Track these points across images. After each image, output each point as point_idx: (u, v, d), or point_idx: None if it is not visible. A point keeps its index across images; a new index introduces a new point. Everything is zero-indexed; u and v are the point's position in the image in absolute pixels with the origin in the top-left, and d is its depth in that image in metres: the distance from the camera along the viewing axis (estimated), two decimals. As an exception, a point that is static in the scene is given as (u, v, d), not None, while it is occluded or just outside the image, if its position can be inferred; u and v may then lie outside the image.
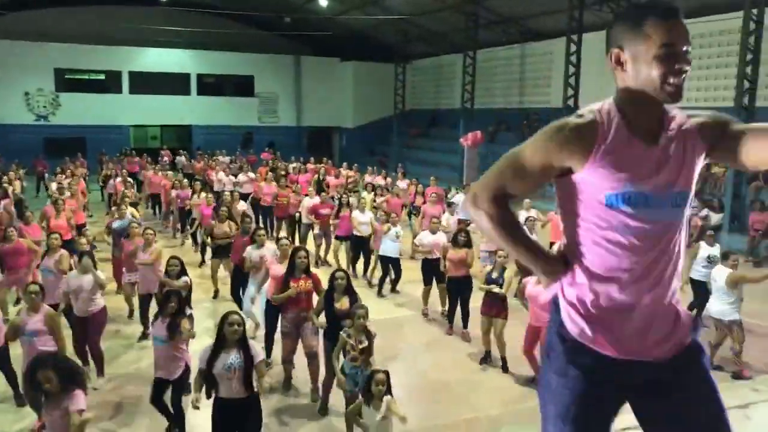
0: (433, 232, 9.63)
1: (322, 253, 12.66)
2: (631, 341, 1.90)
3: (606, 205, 1.84)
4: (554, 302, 2.02)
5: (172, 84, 29.44)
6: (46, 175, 20.19)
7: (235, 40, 28.94)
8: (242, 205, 12.65)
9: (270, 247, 8.26)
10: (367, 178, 17.33)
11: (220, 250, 10.09)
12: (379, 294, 10.69)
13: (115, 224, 10.29)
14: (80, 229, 11.09)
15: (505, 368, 7.67)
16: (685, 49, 1.78)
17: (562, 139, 1.84)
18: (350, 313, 6.08)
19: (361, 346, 5.81)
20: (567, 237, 1.99)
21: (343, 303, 6.36)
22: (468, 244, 8.74)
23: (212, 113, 29.84)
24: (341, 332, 5.97)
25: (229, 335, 5.04)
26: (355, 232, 11.39)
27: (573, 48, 19.40)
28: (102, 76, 29.19)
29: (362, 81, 31.45)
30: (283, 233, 13.44)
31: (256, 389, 5.05)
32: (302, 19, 28.40)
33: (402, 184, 15.99)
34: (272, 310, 7.31)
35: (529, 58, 25.10)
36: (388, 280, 10.85)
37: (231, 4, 27.26)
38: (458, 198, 13.85)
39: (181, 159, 22.53)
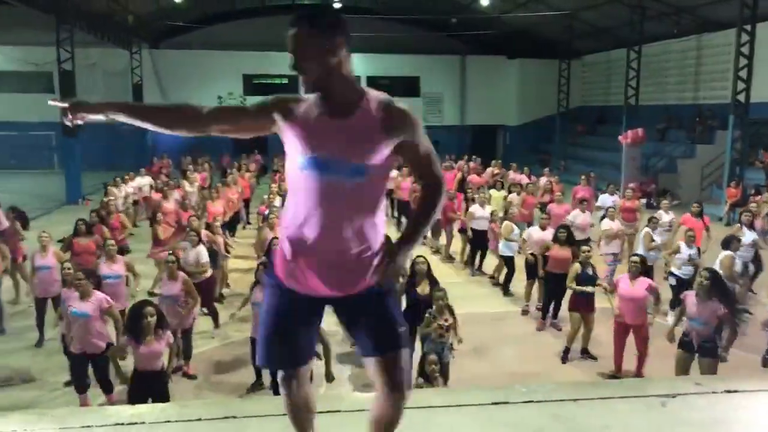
0: (543, 229, 9.70)
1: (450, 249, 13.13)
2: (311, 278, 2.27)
3: (297, 167, 2.18)
4: None
5: (345, 86, 31.32)
6: (228, 170, 22.74)
7: (403, 42, 30.08)
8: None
9: None
10: (511, 175, 17.35)
11: None
12: (505, 293, 10.84)
13: (266, 210, 11.98)
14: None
15: (591, 357, 7.96)
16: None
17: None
18: (432, 297, 6.58)
19: (447, 324, 6.32)
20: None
21: (423, 288, 6.82)
22: (570, 240, 8.78)
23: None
24: (427, 313, 6.44)
25: None
26: (472, 226, 11.70)
27: (745, 38, 17.82)
28: (285, 81, 31.90)
29: (527, 78, 31.14)
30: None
31: None
32: (468, 19, 28.80)
33: (543, 181, 15.81)
34: None
35: (705, 50, 23.29)
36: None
37: (399, 9, 28.45)
38: (604, 198, 13.46)
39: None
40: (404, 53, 30.74)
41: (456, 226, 12.66)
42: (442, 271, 11.89)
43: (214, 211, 11.86)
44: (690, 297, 6.39)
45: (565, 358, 7.98)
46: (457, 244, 12.97)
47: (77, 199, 19.67)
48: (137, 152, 26.73)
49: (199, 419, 3.43)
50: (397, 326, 2.35)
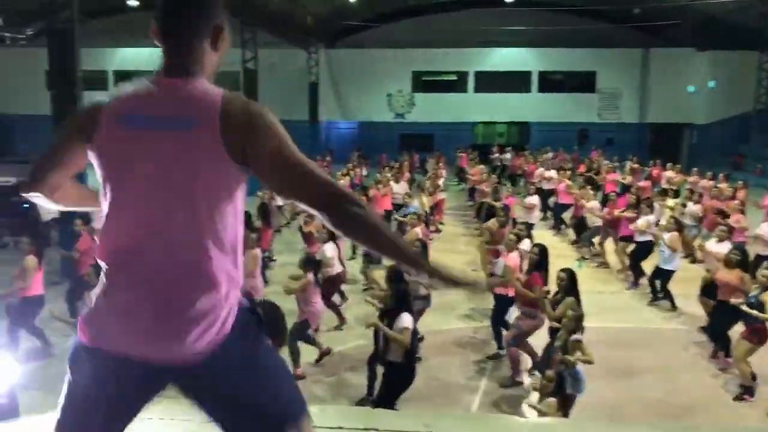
0: (720, 240, 8.51)
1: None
2: None
3: None
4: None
5: (514, 82, 30.44)
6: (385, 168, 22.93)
7: (578, 35, 28.50)
8: (533, 199, 12.96)
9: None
10: (691, 179, 15.73)
11: None
12: (651, 302, 9.93)
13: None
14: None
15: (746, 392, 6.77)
16: None
17: None
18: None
19: (557, 344, 5.92)
20: None
21: (565, 304, 6.31)
22: (742, 264, 7.44)
23: (550, 110, 30.00)
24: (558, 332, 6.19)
25: None
26: (637, 237, 10.62)
27: None
28: (453, 77, 31.71)
29: (719, 72, 28.29)
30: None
31: None
32: (652, 9, 26.68)
33: (723, 186, 14.03)
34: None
35: None
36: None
37: (575, 0, 27.07)
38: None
39: (506, 156, 23.38)
40: (580, 47, 29.18)
41: (623, 231, 11.48)
42: (594, 278, 11.20)
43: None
44: None
45: (741, 396, 6.78)
46: (610, 250, 12.03)
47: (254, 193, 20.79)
48: (310, 148, 27.91)
49: (340, 428, 3.22)
50: None
